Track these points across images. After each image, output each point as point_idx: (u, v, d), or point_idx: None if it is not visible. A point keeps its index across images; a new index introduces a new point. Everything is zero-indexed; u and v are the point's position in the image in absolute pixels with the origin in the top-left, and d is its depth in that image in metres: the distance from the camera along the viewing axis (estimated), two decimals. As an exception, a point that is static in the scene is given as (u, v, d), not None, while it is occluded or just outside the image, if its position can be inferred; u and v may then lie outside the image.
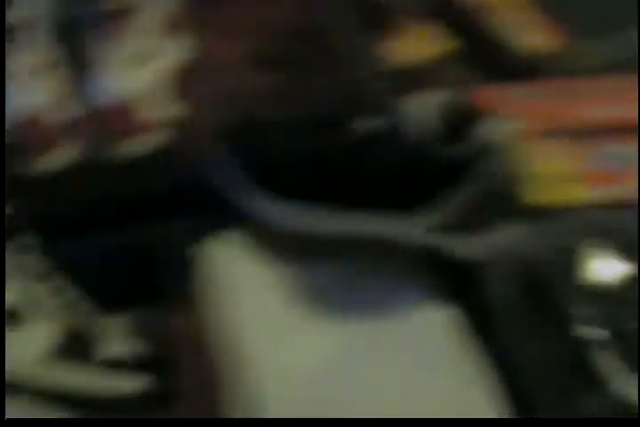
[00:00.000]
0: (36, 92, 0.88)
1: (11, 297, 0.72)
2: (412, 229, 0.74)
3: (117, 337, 0.78)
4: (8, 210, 0.74)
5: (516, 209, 0.74)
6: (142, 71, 0.89)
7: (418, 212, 0.73)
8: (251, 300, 0.77)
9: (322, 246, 0.79)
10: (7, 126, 0.85)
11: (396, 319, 0.76)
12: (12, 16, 0.87)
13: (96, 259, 0.82)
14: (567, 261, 0.75)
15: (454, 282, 0.77)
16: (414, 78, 0.99)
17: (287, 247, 0.81)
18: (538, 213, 0.80)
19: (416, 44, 1.10)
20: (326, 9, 1.03)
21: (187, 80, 0.93)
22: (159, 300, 0.80)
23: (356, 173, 0.72)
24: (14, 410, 0.71)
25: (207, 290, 0.78)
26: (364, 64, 0.96)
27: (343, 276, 0.79)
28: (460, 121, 0.71)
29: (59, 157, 0.87)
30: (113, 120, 0.85)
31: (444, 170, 0.70)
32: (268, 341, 0.74)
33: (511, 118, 0.83)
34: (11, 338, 0.72)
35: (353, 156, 0.72)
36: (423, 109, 0.72)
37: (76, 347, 0.75)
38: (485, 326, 0.73)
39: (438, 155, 0.70)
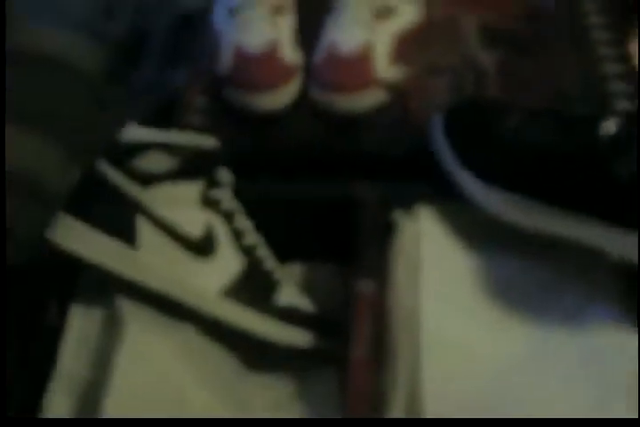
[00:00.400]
0: (275, 29, 0.87)
1: (197, 229, 0.71)
2: (627, 243, 0.69)
3: (294, 288, 0.77)
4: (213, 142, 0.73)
5: None
6: (383, 26, 0.85)
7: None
8: (439, 282, 0.75)
9: (521, 238, 0.75)
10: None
11: (586, 334, 0.71)
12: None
13: (292, 206, 0.80)
14: None
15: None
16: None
17: (489, 233, 0.77)
18: None
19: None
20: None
21: (413, 44, 0.90)
22: (347, 259, 0.77)
23: (591, 177, 0.68)
24: (181, 338, 0.71)
25: (398, 261, 0.75)
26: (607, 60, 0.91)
27: (538, 276, 0.75)
28: None
29: (286, 95, 0.86)
30: (346, 69, 0.83)
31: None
32: (449, 326, 0.72)
33: None
34: (195, 267, 0.71)
35: (594, 159, 0.67)
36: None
37: (254, 288, 0.73)
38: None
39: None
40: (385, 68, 0.85)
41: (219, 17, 0.90)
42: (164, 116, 0.92)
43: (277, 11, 0.88)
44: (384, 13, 0.87)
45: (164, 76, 1.06)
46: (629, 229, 0.68)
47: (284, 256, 0.82)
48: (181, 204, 0.71)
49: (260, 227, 0.78)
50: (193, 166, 0.71)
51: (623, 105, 0.86)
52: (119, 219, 0.70)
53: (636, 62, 0.94)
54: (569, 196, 0.70)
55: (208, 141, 0.72)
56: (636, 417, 0.65)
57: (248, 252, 0.73)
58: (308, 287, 0.83)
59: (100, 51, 1.09)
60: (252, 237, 0.74)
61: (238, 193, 0.76)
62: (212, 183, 0.72)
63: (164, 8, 1.13)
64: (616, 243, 0.69)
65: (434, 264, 0.75)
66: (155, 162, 0.70)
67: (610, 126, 0.68)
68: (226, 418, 0.69)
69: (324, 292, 0.80)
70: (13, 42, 1.02)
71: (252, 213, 0.78)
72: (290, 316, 0.74)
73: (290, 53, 0.87)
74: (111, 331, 0.69)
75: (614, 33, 0.95)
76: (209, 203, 0.72)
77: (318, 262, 0.84)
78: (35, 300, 0.75)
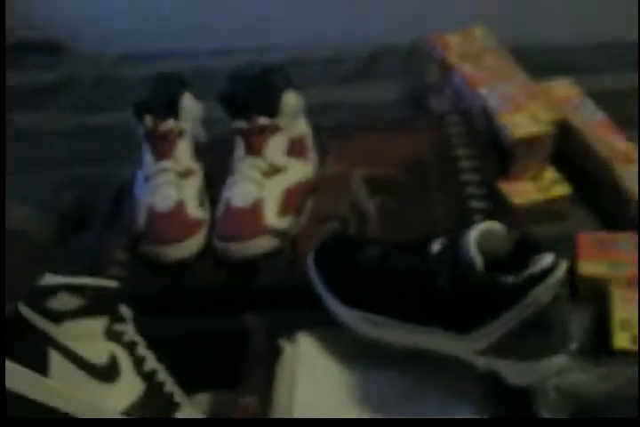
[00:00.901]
0: (183, 189, 1.03)
1: (102, 358, 0.83)
2: (466, 347, 0.82)
3: (194, 409, 0.88)
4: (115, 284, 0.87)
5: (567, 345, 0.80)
6: (272, 182, 1.01)
7: (473, 331, 0.80)
8: (310, 394, 0.87)
9: (388, 353, 0.88)
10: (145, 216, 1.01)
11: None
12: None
13: (189, 340, 0.93)
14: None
15: (504, 399, 0.82)
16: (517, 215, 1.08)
17: (358, 352, 0.90)
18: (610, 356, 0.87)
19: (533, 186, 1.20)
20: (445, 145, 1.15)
21: (303, 197, 1.06)
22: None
23: (425, 291, 0.81)
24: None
25: (278, 379, 0.87)
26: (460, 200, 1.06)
27: (401, 384, 0.86)
28: (525, 252, 0.79)
29: (191, 247, 1.00)
30: (238, 221, 0.98)
31: (501, 296, 0.77)
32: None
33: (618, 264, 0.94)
34: (100, 391, 0.83)
35: (425, 276, 0.81)
36: (492, 239, 0.80)
37: (155, 409, 0.85)
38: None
39: (499, 282, 0.77)
40: (274, 218, 1.00)
41: (138, 184, 1.07)
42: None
43: (183, 175, 1.04)
44: (272, 172, 1.02)
45: (101, 239, 1.22)
46: (459, 332, 0.80)
47: (190, 388, 0.92)
48: (88, 337, 0.84)
49: (164, 360, 0.89)
50: (97, 304, 0.84)
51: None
52: (32, 352, 0.82)
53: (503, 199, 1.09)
54: (408, 309, 0.82)
55: (110, 283, 0.86)
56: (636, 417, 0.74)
57: (149, 377, 0.85)
58: (214, 415, 0.93)
59: (50, 222, 1.26)
60: (152, 364, 0.86)
61: (142, 329, 0.89)
62: (116, 319, 0.85)
63: (108, 183, 1.31)
64: (452, 346, 0.81)
65: (307, 380, 0.87)
66: (65, 301, 0.84)
67: (435, 246, 0.81)
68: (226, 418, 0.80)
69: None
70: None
71: (155, 347, 0.89)
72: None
73: (195, 211, 1.03)
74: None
75: (481, 174, 1.10)
76: (112, 336, 0.85)
77: (224, 391, 0.95)
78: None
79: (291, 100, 1.04)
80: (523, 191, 1.20)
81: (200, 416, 0.88)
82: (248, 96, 1.03)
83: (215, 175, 1.10)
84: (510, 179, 1.20)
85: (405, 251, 0.87)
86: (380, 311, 0.85)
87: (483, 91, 1.27)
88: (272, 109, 1.02)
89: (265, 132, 1.02)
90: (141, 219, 1.01)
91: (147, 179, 1.04)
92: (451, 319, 0.79)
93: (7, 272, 1.14)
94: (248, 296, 0.98)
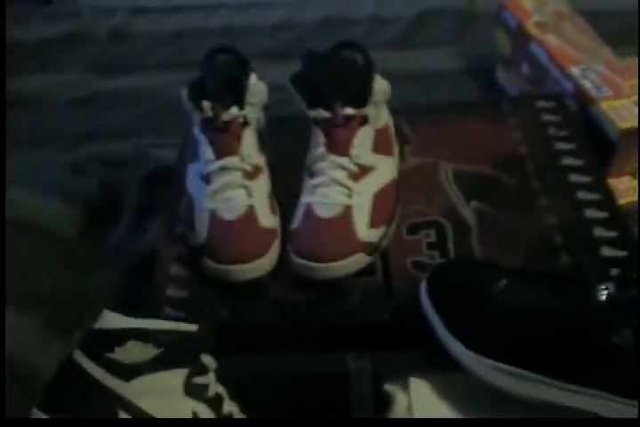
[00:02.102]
0: (253, 192, 0.87)
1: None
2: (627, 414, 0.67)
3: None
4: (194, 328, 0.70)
5: None
6: (360, 186, 0.86)
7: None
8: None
9: (521, 409, 0.72)
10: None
11: None
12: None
13: (279, 382, 0.77)
14: None
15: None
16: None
17: (483, 404, 0.74)
18: None
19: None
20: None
21: (394, 200, 0.89)
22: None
23: (586, 346, 0.66)
24: None
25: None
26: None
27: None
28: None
29: (266, 264, 0.84)
30: (326, 237, 0.81)
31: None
32: None
33: None
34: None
35: (589, 327, 0.65)
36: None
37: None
38: None
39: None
40: (365, 230, 0.83)
41: (192, 182, 0.89)
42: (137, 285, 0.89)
43: (251, 175, 0.87)
44: (361, 174, 0.85)
45: (136, 235, 1.04)
46: (628, 400, 0.65)
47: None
48: (165, 395, 0.67)
49: (246, 403, 0.74)
50: (175, 355, 0.67)
51: (609, 252, 0.84)
52: (99, 415, 0.66)
53: (619, 205, 0.93)
54: (561, 365, 0.67)
55: (191, 327, 0.69)
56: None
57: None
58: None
59: (71, 212, 1.07)
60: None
61: (222, 372, 0.72)
62: (196, 370, 0.68)
63: (137, 164, 1.12)
64: (614, 414, 0.66)
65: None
66: (135, 352, 0.67)
67: (605, 293, 0.66)
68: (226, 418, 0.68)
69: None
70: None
71: (238, 391, 0.73)
72: None
73: (267, 219, 0.86)
74: None
75: (590, 175, 0.94)
76: (194, 391, 0.68)
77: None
78: None
79: (382, 85, 0.86)
80: (624, 190, 1.03)
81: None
82: (329, 80, 0.85)
83: (280, 173, 0.93)
84: (609, 175, 1.03)
85: (543, 285, 0.71)
86: (520, 363, 0.69)
87: (574, 70, 1.09)
88: (360, 97, 0.84)
89: (351, 124, 0.84)
90: (202, 227, 0.85)
91: (206, 178, 0.85)
92: (627, 383, 0.63)
93: (23, 270, 0.96)
94: (339, 327, 0.82)
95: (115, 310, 0.72)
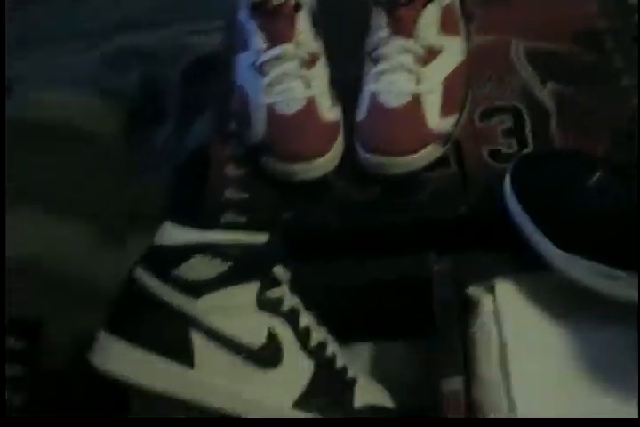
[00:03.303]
0: (312, 82, 0.80)
1: (258, 338, 0.62)
2: None
3: (370, 384, 0.68)
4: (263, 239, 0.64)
5: None
6: (429, 71, 0.78)
7: None
8: (525, 364, 0.67)
9: (615, 310, 0.66)
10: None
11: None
12: None
13: (355, 288, 0.72)
14: None
15: None
16: None
17: (572, 304, 0.69)
18: None
19: None
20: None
21: (465, 85, 0.81)
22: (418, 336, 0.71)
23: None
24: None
25: (481, 342, 0.67)
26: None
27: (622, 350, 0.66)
28: None
29: (330, 161, 0.78)
30: (396, 129, 0.74)
31: None
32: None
33: None
34: (262, 383, 0.63)
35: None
36: None
37: (327, 391, 0.64)
38: None
39: None
40: (437, 119, 0.76)
41: (243, 74, 0.81)
42: (193, 188, 0.83)
43: (308, 63, 0.79)
44: (428, 57, 0.77)
45: (183, 134, 0.97)
46: None
47: (347, 336, 0.72)
48: (237, 311, 0.62)
49: (321, 311, 0.69)
50: (245, 268, 0.62)
51: None
52: (169, 336, 0.61)
53: None
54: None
55: (260, 237, 0.63)
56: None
57: (316, 353, 0.64)
58: (380, 371, 0.75)
59: (109, 110, 1.00)
60: (319, 335, 0.65)
61: (295, 282, 0.67)
62: (269, 283, 0.63)
63: (176, 55, 1.04)
64: None
65: (518, 347, 0.67)
66: (202, 268, 0.61)
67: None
68: (227, 418, 0.62)
69: (401, 378, 0.71)
70: (15, 116, 0.93)
71: (312, 298, 0.68)
72: (376, 415, 0.64)
73: (329, 111, 0.78)
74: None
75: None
76: (268, 306, 0.63)
77: (385, 340, 0.75)
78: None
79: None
80: None
81: (376, 397, 0.67)
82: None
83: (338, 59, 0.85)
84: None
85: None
86: (617, 262, 0.63)
87: None
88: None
89: (415, 2, 0.76)
90: (259, 124, 0.78)
91: (259, 69, 0.78)
92: None
93: (61, 175, 0.90)
94: (416, 225, 0.76)
95: (168, 216, 0.66)
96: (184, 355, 0.61)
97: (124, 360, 0.61)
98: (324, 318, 0.69)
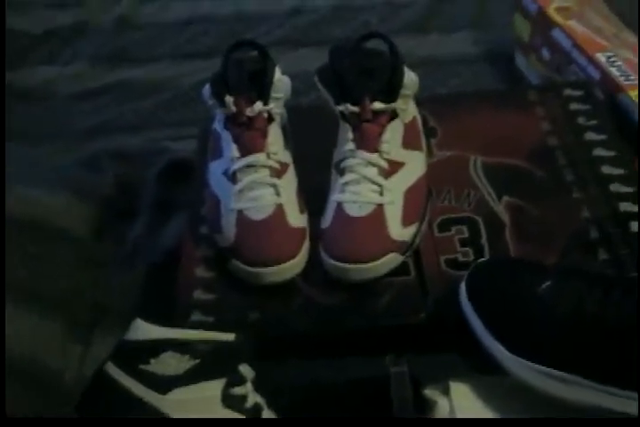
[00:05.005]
0: (281, 191, 0.84)
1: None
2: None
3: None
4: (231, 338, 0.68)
5: None
6: (392, 183, 0.83)
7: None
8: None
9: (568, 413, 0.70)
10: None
11: None
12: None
13: (316, 390, 0.74)
14: None
15: None
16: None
17: (527, 408, 0.72)
18: None
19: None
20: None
21: (425, 196, 0.87)
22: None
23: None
24: None
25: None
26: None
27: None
28: None
29: (297, 266, 0.82)
30: (359, 238, 0.78)
31: None
32: None
33: None
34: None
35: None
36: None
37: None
38: None
39: None
40: (399, 228, 0.81)
41: (216, 181, 0.86)
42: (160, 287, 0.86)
43: (278, 172, 0.84)
44: (392, 170, 0.83)
45: (155, 234, 1.00)
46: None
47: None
48: (203, 407, 0.65)
49: (283, 410, 0.72)
50: (212, 365, 0.65)
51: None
52: (136, 431, 0.63)
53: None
54: (609, 370, 0.66)
55: (225, 337, 0.66)
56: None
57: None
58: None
59: (84, 209, 1.04)
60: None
61: (259, 381, 0.70)
62: (234, 380, 0.66)
63: (152, 158, 1.09)
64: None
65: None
66: (171, 364, 0.64)
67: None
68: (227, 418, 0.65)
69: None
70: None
71: (275, 397, 0.71)
72: None
73: (296, 218, 0.83)
74: None
75: (623, 167, 0.91)
76: (232, 402, 0.66)
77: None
78: None
79: (411, 78, 0.83)
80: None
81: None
82: (356, 74, 0.82)
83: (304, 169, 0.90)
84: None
85: (589, 287, 0.68)
86: (567, 367, 0.66)
87: (600, 57, 1.06)
88: (390, 91, 0.82)
89: (380, 119, 0.81)
90: (230, 228, 0.82)
91: (231, 177, 0.83)
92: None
93: (35, 270, 0.93)
94: (374, 331, 0.80)
95: (137, 313, 0.69)
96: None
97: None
98: (286, 417, 0.71)
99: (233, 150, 0.84)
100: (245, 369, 0.67)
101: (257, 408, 0.67)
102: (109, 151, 1.14)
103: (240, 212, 0.82)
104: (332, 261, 0.79)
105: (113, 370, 0.65)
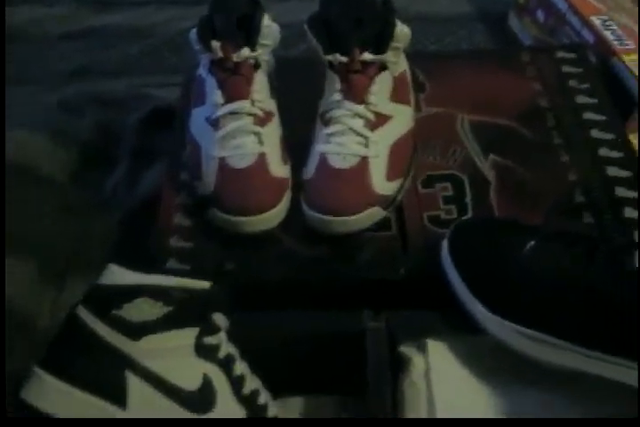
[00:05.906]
0: (265, 139, 0.82)
1: (193, 382, 0.64)
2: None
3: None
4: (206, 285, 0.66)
5: None
6: (377, 136, 0.81)
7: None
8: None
9: (544, 373, 0.69)
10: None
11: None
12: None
13: (291, 339, 0.73)
14: None
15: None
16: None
17: (503, 367, 0.71)
18: None
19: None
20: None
21: (411, 152, 0.85)
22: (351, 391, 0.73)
23: (619, 313, 0.62)
24: None
25: (410, 402, 0.69)
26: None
27: (559, 412, 0.68)
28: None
29: (277, 216, 0.80)
30: (342, 190, 0.77)
31: None
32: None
33: None
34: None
35: (623, 295, 0.62)
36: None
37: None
38: None
39: None
40: (383, 182, 0.79)
41: (198, 127, 0.83)
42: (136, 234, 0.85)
43: (262, 121, 0.82)
44: (378, 123, 0.80)
45: (134, 180, 0.98)
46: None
47: (280, 388, 0.74)
48: (175, 354, 0.64)
49: (256, 361, 0.70)
50: (187, 312, 0.63)
51: (631, 213, 0.81)
52: (105, 376, 0.62)
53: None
54: (589, 332, 0.65)
55: (203, 284, 0.65)
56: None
57: (249, 401, 0.66)
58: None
59: (62, 152, 1.02)
60: (253, 384, 0.67)
61: (233, 330, 0.68)
62: (207, 330, 0.64)
63: (134, 104, 1.06)
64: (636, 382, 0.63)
65: (446, 404, 0.69)
66: (145, 309, 0.63)
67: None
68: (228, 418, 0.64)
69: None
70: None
71: (248, 347, 0.69)
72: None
73: (279, 168, 0.81)
74: None
75: (612, 132, 0.90)
76: (204, 352, 0.65)
77: (318, 395, 0.76)
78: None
79: (403, 31, 0.80)
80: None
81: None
82: (347, 23, 0.79)
83: (289, 119, 0.88)
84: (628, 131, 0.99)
85: (573, 249, 0.67)
86: (547, 329, 0.65)
87: (595, 20, 1.04)
88: (380, 42, 0.79)
89: (369, 70, 0.79)
90: (210, 176, 0.80)
91: (214, 123, 0.80)
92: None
93: (17, 213, 0.91)
94: (354, 283, 0.78)
95: (112, 259, 0.68)
96: (118, 396, 0.62)
97: (55, 397, 0.62)
98: (258, 368, 0.69)
99: (217, 96, 0.82)
100: (219, 318, 0.66)
101: (229, 359, 0.66)
102: (92, 95, 1.11)
103: (222, 159, 0.80)
104: (314, 213, 0.77)
105: (84, 314, 0.63)
